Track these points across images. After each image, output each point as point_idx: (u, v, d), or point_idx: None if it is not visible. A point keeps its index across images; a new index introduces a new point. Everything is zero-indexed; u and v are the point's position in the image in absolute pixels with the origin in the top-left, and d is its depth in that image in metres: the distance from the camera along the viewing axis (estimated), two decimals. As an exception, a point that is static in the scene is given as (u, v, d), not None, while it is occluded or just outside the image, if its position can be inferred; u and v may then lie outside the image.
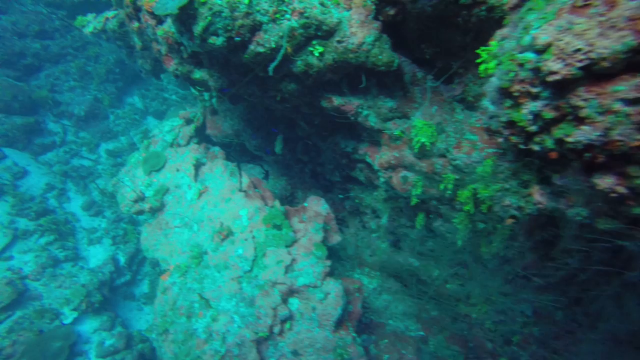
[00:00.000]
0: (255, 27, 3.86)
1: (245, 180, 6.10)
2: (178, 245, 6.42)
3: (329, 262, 5.32)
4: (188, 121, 7.91)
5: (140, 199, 6.99)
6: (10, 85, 10.54)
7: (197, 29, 3.75)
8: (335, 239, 5.80)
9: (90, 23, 8.45)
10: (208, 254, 5.92)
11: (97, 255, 9.96)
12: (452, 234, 4.86)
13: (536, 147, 2.39)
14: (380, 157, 4.92)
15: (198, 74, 4.62)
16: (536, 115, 2.31)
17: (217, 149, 7.41)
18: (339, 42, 3.96)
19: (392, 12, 4.09)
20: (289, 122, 5.96)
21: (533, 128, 2.35)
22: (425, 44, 4.30)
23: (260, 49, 3.94)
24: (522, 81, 2.28)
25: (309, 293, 5.22)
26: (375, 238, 6.26)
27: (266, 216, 5.79)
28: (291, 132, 6.24)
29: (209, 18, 3.71)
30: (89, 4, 12.42)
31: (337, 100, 4.62)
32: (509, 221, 2.78)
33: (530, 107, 2.31)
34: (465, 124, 4.09)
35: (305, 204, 5.93)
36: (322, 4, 3.87)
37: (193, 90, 7.35)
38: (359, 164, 5.63)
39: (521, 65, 2.26)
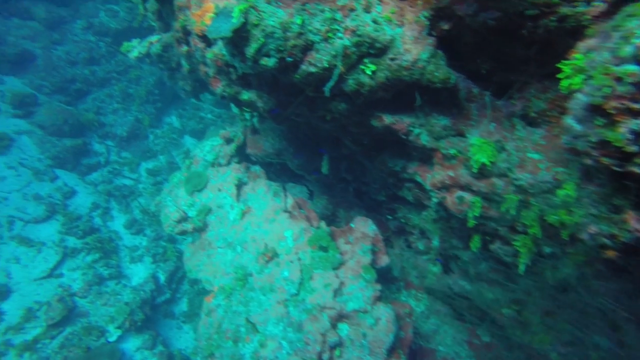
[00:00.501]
0: (307, 47, 3.80)
1: (290, 200, 6.02)
2: (222, 266, 6.38)
3: (379, 286, 5.10)
4: (228, 140, 7.97)
5: (184, 219, 7.04)
6: (62, 110, 11.05)
7: (250, 50, 3.73)
8: (384, 261, 5.58)
9: (135, 48, 8.75)
10: (253, 276, 5.83)
11: (138, 273, 10.12)
12: (511, 257, 4.55)
13: (637, 170, 2.15)
14: (433, 176, 4.71)
15: (246, 95, 4.61)
16: (638, 135, 2.07)
17: (257, 168, 7.40)
18: (392, 59, 3.83)
19: (446, 26, 3.94)
20: (333, 141, 5.86)
21: (633, 148, 2.11)
22: (482, 58, 4.11)
23: (312, 69, 3.87)
24: (620, 97, 2.06)
25: (359, 318, 5.00)
26: (424, 260, 5.99)
27: (312, 237, 5.66)
28: (335, 151, 6.13)
29: (262, 39, 3.68)
30: (131, 30, 12.99)
31: (387, 119, 4.47)
32: (611, 253, 2.51)
33: (630, 125, 2.08)
34: (528, 141, 3.84)
35: (352, 225, 5.76)
36: (374, 21, 3.77)
37: (234, 110, 7.41)
38: (407, 183, 5.43)
39: (619, 79, 2.05)
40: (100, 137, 11.95)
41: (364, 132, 4.85)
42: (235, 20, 3.59)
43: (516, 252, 4.24)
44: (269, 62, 3.80)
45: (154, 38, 8.42)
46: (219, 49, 4.29)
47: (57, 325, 8.26)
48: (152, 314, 9.46)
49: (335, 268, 5.41)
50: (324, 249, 5.55)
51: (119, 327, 8.67)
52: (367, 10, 3.80)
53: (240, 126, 7.84)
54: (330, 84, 3.75)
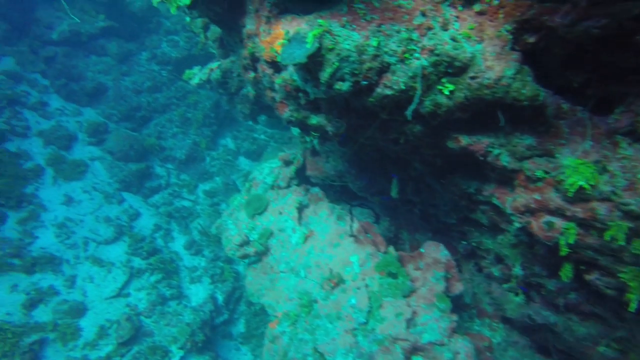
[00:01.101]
0: (383, 69, 3.68)
1: (356, 224, 5.84)
2: (285, 292, 6.28)
3: (455, 317, 4.75)
4: (287, 163, 7.98)
5: (246, 242, 7.06)
6: (128, 136, 11.71)
7: (324, 75, 3.66)
8: (458, 288, 5.22)
9: (197, 75, 9.12)
10: (318, 302, 5.67)
11: (197, 293, 10.30)
12: (614, 291, 4.05)
13: None
14: (514, 199, 4.35)
15: (314, 120, 4.55)
16: None
17: (317, 190, 7.32)
18: (472, 78, 3.61)
19: (532, 39, 3.65)
20: (399, 162, 5.65)
21: None
22: (573, 70, 3.77)
23: (388, 92, 3.73)
24: None
25: (435, 352, 4.67)
26: (501, 288, 5.54)
27: (379, 263, 5.43)
28: (400, 172, 5.91)
29: (336, 64, 3.60)
30: (190, 58, 13.66)
31: (464, 140, 4.21)
32: None
33: None
34: (637, 161, 3.42)
35: (422, 250, 5.47)
36: (453, 39, 3.58)
37: (293, 132, 7.42)
38: (482, 206, 5.08)
39: None
40: (161, 160, 12.51)
41: (436, 153, 4.61)
42: (310, 45, 3.55)
43: (622, 286, 3.76)
44: (343, 86, 3.71)
45: (214, 65, 8.73)
46: (288, 75, 4.28)
47: (126, 344, 8.54)
48: (211, 335, 9.55)
49: (405, 296, 5.13)
50: (393, 275, 5.29)
51: (181, 348, 8.81)
52: (444, 28, 3.62)
53: (299, 148, 7.84)
54: (412, 106, 3.58)
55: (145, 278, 9.84)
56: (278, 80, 4.42)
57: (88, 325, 8.72)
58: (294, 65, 3.73)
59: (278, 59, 4.04)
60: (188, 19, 9.35)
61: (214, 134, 13.62)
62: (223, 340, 10.01)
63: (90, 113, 12.48)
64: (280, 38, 4.21)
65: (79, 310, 8.79)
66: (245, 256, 7.05)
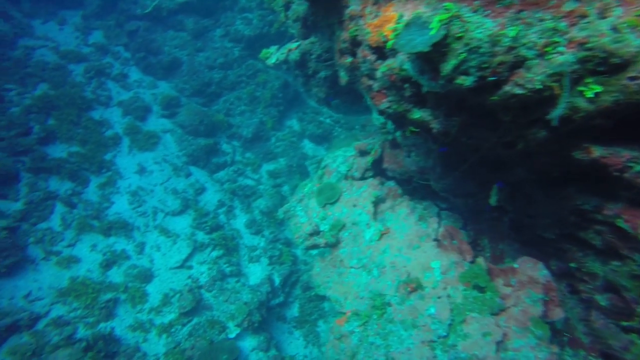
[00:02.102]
0: (517, 64, 3.17)
1: (441, 228, 5.41)
2: (354, 288, 6.03)
3: (556, 349, 4.24)
4: (363, 152, 7.62)
5: (316, 232, 6.87)
6: (199, 112, 11.89)
7: (447, 67, 3.23)
8: (557, 314, 4.67)
9: (274, 55, 8.92)
10: (392, 306, 5.36)
11: (255, 273, 10.39)
12: None
13: None
14: (650, 224, 3.71)
15: (417, 114, 4.14)
16: None
17: (396, 185, 6.91)
18: (632, 78, 3.00)
19: None
20: (497, 165, 5.09)
21: None
22: None
23: (518, 91, 3.23)
24: None
25: (528, 383, 4.21)
26: (607, 321, 4.90)
27: (465, 273, 4.99)
28: (493, 175, 5.35)
29: (463, 55, 3.15)
30: (261, 36, 13.53)
31: (597, 151, 3.61)
32: None
33: None
34: None
35: (515, 265, 4.94)
36: (614, 29, 2.98)
37: (375, 121, 7.03)
38: (598, 226, 4.44)
39: None
40: (228, 137, 12.62)
41: (556, 162, 4.03)
42: (435, 32, 3.12)
43: None
44: (467, 81, 3.26)
45: (292, 45, 8.46)
46: (397, 63, 3.88)
47: (187, 314, 8.81)
48: (267, 316, 9.63)
49: (494, 314, 4.67)
50: (480, 289, 4.83)
51: (238, 325, 8.95)
52: (602, 15, 3.03)
53: (377, 138, 7.45)
54: (558, 112, 3.07)
55: (207, 252, 10.04)
56: (382, 68, 4.04)
57: (154, 291, 9.08)
58: (413, 53, 3.33)
59: (389, 45, 3.65)
60: (267, -4, 9.14)
61: (280, 114, 13.51)
62: (277, 322, 10.06)
63: (164, 86, 12.82)
64: (391, 22, 3.81)
65: (147, 276, 9.17)
66: (314, 246, 6.87)
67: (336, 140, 9.66)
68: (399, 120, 4.43)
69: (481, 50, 3.12)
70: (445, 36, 3.13)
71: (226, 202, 11.20)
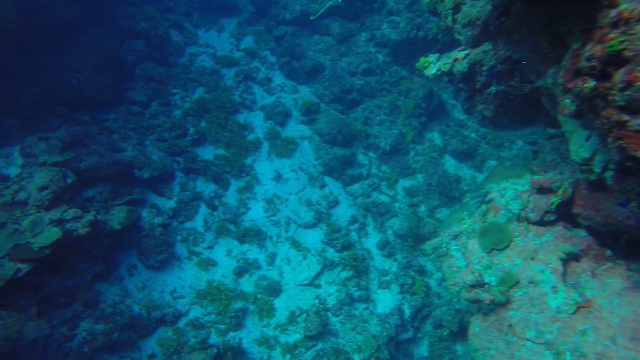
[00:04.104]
0: None
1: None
2: (534, 372, 4.62)
3: None
4: (543, 190, 6.03)
5: (479, 284, 5.59)
6: (338, 120, 11.42)
7: None
8: None
9: (434, 65, 7.79)
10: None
11: (385, 301, 9.47)
12: None
13: None
14: None
15: None
16: None
17: (583, 234, 5.23)
18: None
19: None
20: None
21: None
22: None
23: None
24: None
25: None
26: None
27: None
28: None
29: None
30: (408, 41, 12.45)
31: None
32: None
33: None
34: None
35: None
36: None
37: (574, 156, 5.40)
38: None
39: None
40: (364, 148, 11.91)
41: None
42: None
43: None
44: None
45: (460, 54, 7.23)
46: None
47: (313, 339, 8.33)
48: (395, 353, 8.66)
49: None
50: None
51: (364, 360, 8.16)
52: None
53: (567, 175, 5.80)
54: None
55: (337, 273, 9.47)
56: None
57: (281, 307, 8.83)
58: None
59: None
60: (429, -3, 8.02)
61: (421, 126, 12.30)
62: (404, 360, 9.02)
63: (305, 91, 12.69)
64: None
65: (276, 290, 8.97)
66: (476, 301, 5.62)
67: (500, 168, 8.06)
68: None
69: None
70: None
71: (359, 219, 10.50)
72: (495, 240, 5.84)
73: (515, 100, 7.03)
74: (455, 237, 6.59)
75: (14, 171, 7.76)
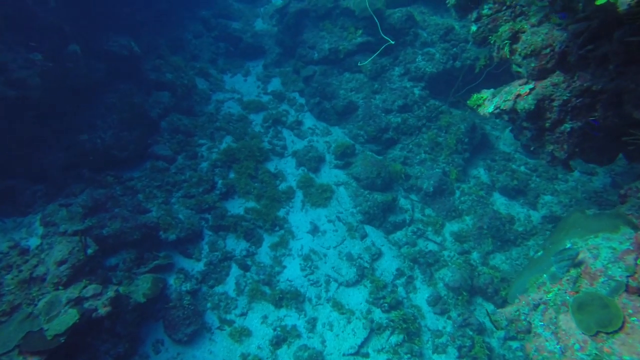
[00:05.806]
0: None
1: None
2: None
3: None
4: (652, 249, 4.82)
5: (587, 381, 4.35)
6: (375, 162, 10.53)
7: None
8: None
9: (490, 101, 6.85)
10: None
11: (443, 369, 8.16)
12: None
13: None
14: None
15: None
16: None
17: None
18: None
19: None
20: None
21: None
22: None
23: None
24: None
25: None
26: None
27: None
28: None
29: None
30: (445, 73, 11.63)
31: None
32: None
33: None
34: None
35: None
36: None
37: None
38: None
39: None
40: (405, 190, 10.90)
41: None
42: None
43: None
44: None
45: (523, 89, 6.27)
46: None
47: None
48: None
49: None
50: None
51: None
52: None
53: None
54: None
55: (386, 337, 8.28)
56: None
57: (325, 383, 7.69)
58: None
59: None
60: (474, 28, 7.18)
61: (465, 162, 11.24)
62: None
63: (338, 132, 11.96)
64: None
65: (318, 362, 7.86)
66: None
67: (579, 217, 6.76)
68: None
69: None
70: None
71: (405, 272, 9.36)
72: (600, 319, 4.61)
73: (596, 137, 5.97)
74: (536, 306, 5.39)
75: (34, 242, 7.22)
